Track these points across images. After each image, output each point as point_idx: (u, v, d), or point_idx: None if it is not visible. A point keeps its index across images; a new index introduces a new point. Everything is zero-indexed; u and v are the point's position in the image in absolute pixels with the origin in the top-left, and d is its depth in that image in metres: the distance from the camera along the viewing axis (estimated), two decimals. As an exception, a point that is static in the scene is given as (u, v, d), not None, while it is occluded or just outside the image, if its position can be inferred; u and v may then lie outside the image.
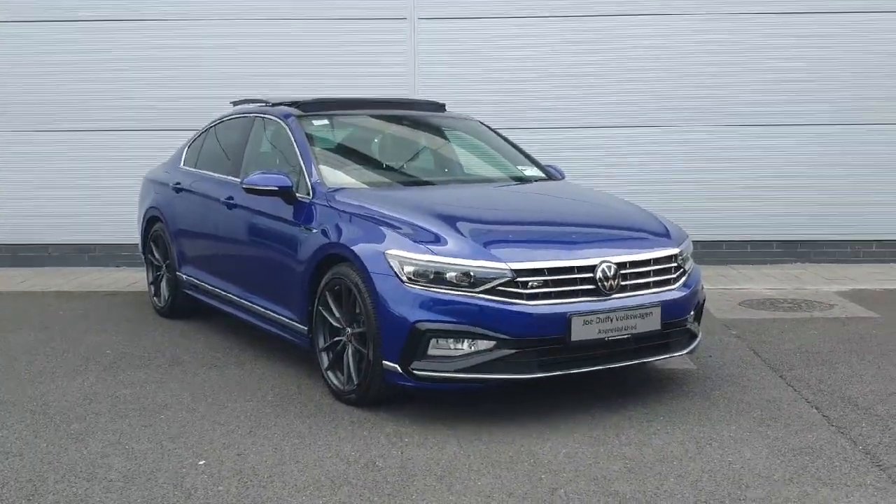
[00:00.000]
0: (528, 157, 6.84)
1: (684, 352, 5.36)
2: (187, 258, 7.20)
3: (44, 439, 4.73)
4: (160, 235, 7.63)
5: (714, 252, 10.06)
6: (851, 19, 9.92)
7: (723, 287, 8.82)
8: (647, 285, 5.11)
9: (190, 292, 7.20)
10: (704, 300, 5.68)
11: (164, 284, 7.65)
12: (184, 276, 7.22)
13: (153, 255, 7.84)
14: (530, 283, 4.76)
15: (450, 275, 4.76)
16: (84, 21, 10.18)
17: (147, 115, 10.20)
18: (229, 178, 6.62)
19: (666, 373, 5.85)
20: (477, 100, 9.75)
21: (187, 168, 7.48)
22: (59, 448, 4.60)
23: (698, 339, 5.52)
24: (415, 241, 4.91)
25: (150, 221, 7.83)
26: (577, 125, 10.06)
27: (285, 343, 5.98)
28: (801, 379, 5.68)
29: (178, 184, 7.37)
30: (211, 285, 6.79)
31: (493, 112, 9.54)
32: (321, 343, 5.38)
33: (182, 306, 7.45)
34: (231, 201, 6.44)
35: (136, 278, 9.41)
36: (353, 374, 5.14)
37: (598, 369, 5.00)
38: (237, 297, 6.41)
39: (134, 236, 8.57)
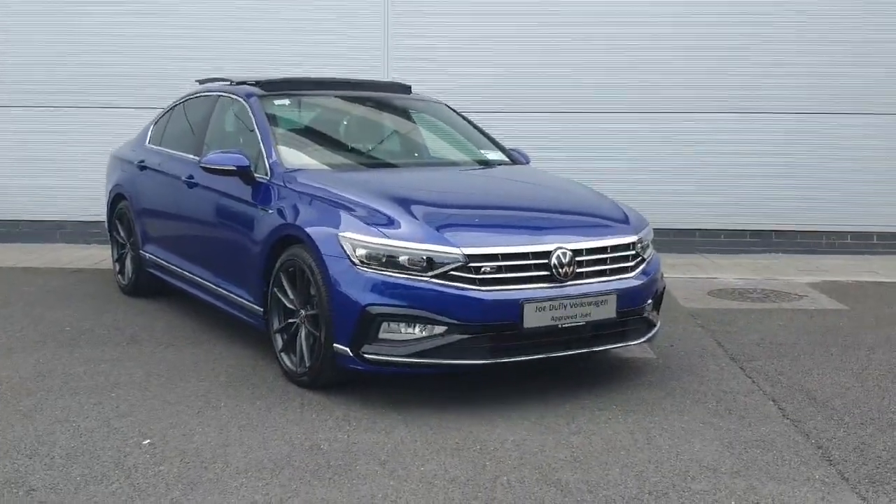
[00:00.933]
0: (492, 140, 6.78)
1: (641, 340, 5.33)
2: (150, 237, 7.13)
3: (-10, 415, 4.69)
4: (125, 213, 7.56)
5: (687, 241, 10.04)
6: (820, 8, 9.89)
7: (692, 276, 8.79)
8: (603, 272, 5.07)
9: (152, 271, 7.14)
10: (664, 289, 5.65)
11: (128, 263, 7.59)
12: (147, 255, 7.16)
13: (118, 233, 7.77)
14: (483, 269, 4.71)
15: (402, 258, 4.71)
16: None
17: (119, 92, 10.11)
18: (191, 156, 6.55)
19: (625, 361, 5.82)
20: (451, 82, 9.69)
21: (152, 146, 7.40)
22: (5, 424, 4.56)
23: (657, 328, 5.48)
24: (368, 224, 4.86)
25: (116, 199, 7.76)
26: (553, 111, 9.99)
27: (244, 324, 5.93)
28: (761, 370, 5.66)
29: (143, 162, 7.30)
30: (172, 265, 6.73)
31: (466, 95, 9.50)
32: (276, 325, 5.34)
33: (145, 285, 7.39)
34: (192, 180, 6.37)
35: (104, 256, 9.32)
36: (306, 357, 5.09)
37: (552, 357, 4.96)
38: (197, 276, 6.35)
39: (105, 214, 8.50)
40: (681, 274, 8.84)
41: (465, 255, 4.70)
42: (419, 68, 9.79)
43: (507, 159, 6.58)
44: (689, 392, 5.21)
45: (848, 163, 10.02)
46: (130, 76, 10.09)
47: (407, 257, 4.71)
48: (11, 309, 7.06)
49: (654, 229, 9.65)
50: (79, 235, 10.29)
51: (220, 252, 6.03)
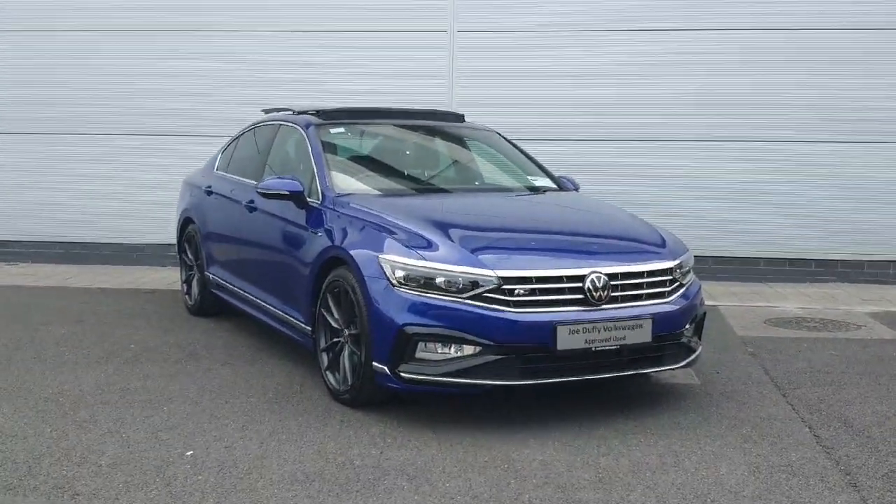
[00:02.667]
0: (541, 168, 6.91)
1: (678, 366, 5.37)
2: (214, 259, 7.43)
3: (49, 424, 4.96)
4: (193, 236, 7.89)
5: (751, 269, 9.98)
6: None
7: (753, 304, 8.74)
8: (639, 297, 5.13)
9: (216, 292, 7.43)
10: (704, 314, 5.67)
11: (194, 284, 7.90)
12: (211, 276, 7.46)
13: (186, 255, 8.10)
14: (517, 291, 4.84)
15: (438, 280, 4.87)
16: (141, 31, 10.59)
17: (194, 122, 10.56)
18: (252, 182, 6.83)
19: (667, 387, 5.85)
20: (512, 112, 9.87)
21: (219, 172, 7.73)
22: (60, 433, 4.82)
23: (696, 354, 5.51)
24: (407, 247, 5.03)
25: (185, 223, 8.10)
26: (614, 138, 10.08)
27: (296, 343, 6.14)
28: (803, 398, 5.64)
29: (210, 187, 7.62)
30: (232, 285, 7.01)
31: (526, 124, 9.68)
32: (322, 343, 5.54)
33: (210, 305, 7.69)
34: (252, 205, 6.65)
35: (176, 277, 9.69)
36: (349, 375, 5.27)
37: (586, 379, 5.04)
38: (254, 297, 6.61)
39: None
40: (741, 302, 8.80)
41: (499, 277, 4.83)
42: (482, 100, 9.98)
43: (554, 186, 6.70)
44: (726, 417, 5.23)
45: (919, 192, 9.87)
46: (203, 108, 10.54)
47: (443, 279, 4.86)
48: (83, 326, 7.42)
49: (718, 258, 9.77)
50: (155, 258, 10.70)
51: (274, 273, 6.27)
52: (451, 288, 4.85)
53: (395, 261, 4.97)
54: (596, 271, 5.00)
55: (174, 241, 8.60)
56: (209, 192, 7.60)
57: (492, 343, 4.79)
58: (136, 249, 10.80)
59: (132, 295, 8.92)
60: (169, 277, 9.87)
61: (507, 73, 10.15)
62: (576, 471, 4.39)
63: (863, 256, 9.94)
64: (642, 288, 5.17)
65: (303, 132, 6.53)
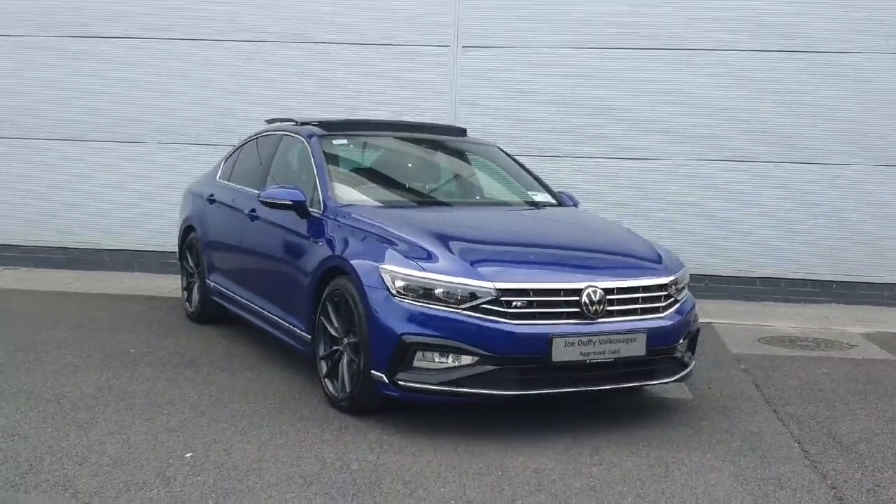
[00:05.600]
0: (541, 183, 7.02)
1: (671, 380, 5.46)
2: (215, 266, 7.52)
3: (50, 425, 5.04)
4: (194, 244, 7.98)
5: (746, 288, 10.08)
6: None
7: (747, 322, 8.83)
8: (634, 311, 5.23)
9: (216, 299, 7.52)
10: (698, 330, 5.76)
11: (195, 291, 7.98)
12: (211, 283, 7.54)
13: (188, 263, 8.19)
14: (514, 303, 4.93)
15: (437, 291, 4.96)
16: (148, 38, 10.70)
17: (197, 130, 10.66)
18: (254, 191, 6.91)
19: (659, 400, 5.94)
20: (514, 127, 10.00)
21: (221, 181, 7.82)
22: (62, 434, 4.90)
23: (689, 369, 5.60)
24: (407, 258, 5.13)
25: (186, 230, 8.19)
26: (614, 156, 10.18)
27: (295, 351, 6.22)
28: (793, 414, 5.72)
29: (212, 195, 7.71)
30: (233, 292, 7.09)
31: (528, 139, 9.80)
32: (321, 351, 5.62)
33: (210, 312, 7.77)
34: (254, 213, 6.74)
35: (177, 285, 9.76)
36: (347, 383, 5.35)
37: (581, 391, 5.12)
38: (255, 304, 6.69)
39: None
40: (735, 320, 8.90)
41: (496, 289, 4.92)
42: (484, 115, 10.12)
43: (553, 201, 6.80)
44: (717, 431, 5.32)
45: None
46: (203, 117, 10.67)
47: (442, 290, 4.95)
48: (83, 331, 7.50)
49: (714, 276, 9.87)
50: (156, 265, 10.78)
51: (275, 281, 6.36)
52: (450, 299, 4.94)
53: (396, 271, 5.06)
54: (592, 285, 5.09)
55: (175, 248, 8.68)
56: (211, 201, 7.70)
57: (489, 353, 4.87)
58: (137, 256, 10.88)
59: (133, 301, 9.00)
60: (170, 285, 9.94)
61: (510, 88, 10.26)
62: (568, 479, 4.47)
63: (858, 278, 10.03)
64: (638, 303, 5.26)
65: (305, 143, 6.62)
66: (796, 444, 5.12)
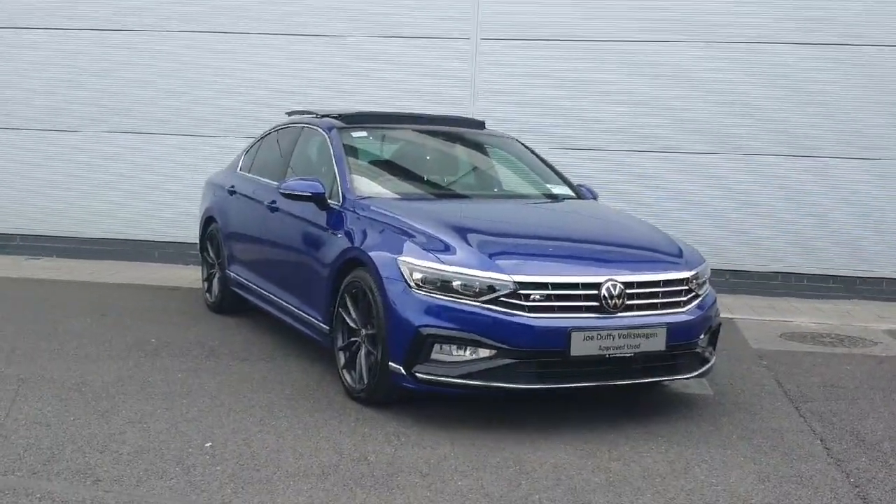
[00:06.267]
0: (560, 176, 6.98)
1: (692, 375, 5.42)
2: (235, 257, 7.54)
3: (72, 413, 5.07)
4: (215, 235, 8.00)
5: (769, 283, 9.99)
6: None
7: (768, 318, 8.76)
8: (654, 306, 5.19)
9: (236, 290, 7.54)
10: (719, 325, 5.72)
11: (215, 281, 8.01)
12: (231, 274, 7.56)
13: (208, 254, 8.21)
14: (532, 296, 4.90)
15: (455, 283, 4.94)
16: (169, 31, 10.75)
17: (219, 123, 10.69)
18: (275, 183, 6.92)
19: (680, 396, 5.90)
20: (534, 120, 9.96)
21: (242, 173, 7.84)
22: (83, 422, 4.93)
23: (710, 364, 5.56)
24: (426, 250, 5.12)
25: (207, 221, 8.21)
26: (634, 149, 10.11)
27: (314, 342, 6.23)
28: (816, 411, 5.67)
29: (233, 187, 7.73)
30: (252, 283, 7.11)
31: (548, 132, 9.76)
32: (339, 342, 5.62)
33: (230, 303, 7.79)
34: (274, 205, 6.74)
35: (198, 276, 9.79)
36: (365, 374, 5.35)
37: (600, 385, 5.10)
38: (274, 295, 6.70)
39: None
40: (757, 316, 8.83)
41: (515, 282, 4.90)
42: (503, 107, 10.08)
43: (572, 194, 6.76)
44: (738, 428, 5.27)
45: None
46: (225, 110, 10.70)
47: (460, 282, 4.94)
48: (105, 321, 7.54)
49: (735, 271, 9.78)
50: (178, 256, 10.82)
51: (294, 272, 6.37)
52: (468, 291, 4.93)
53: (414, 263, 5.06)
54: (612, 279, 5.06)
55: (196, 239, 8.71)
56: (232, 192, 7.71)
57: (507, 347, 4.86)
58: (158, 247, 10.92)
59: (154, 291, 9.04)
60: (191, 276, 9.97)
61: (530, 81, 10.20)
62: (587, 474, 4.45)
63: (882, 274, 9.93)
64: (658, 297, 5.22)
65: (325, 135, 6.62)
66: (819, 442, 5.08)
